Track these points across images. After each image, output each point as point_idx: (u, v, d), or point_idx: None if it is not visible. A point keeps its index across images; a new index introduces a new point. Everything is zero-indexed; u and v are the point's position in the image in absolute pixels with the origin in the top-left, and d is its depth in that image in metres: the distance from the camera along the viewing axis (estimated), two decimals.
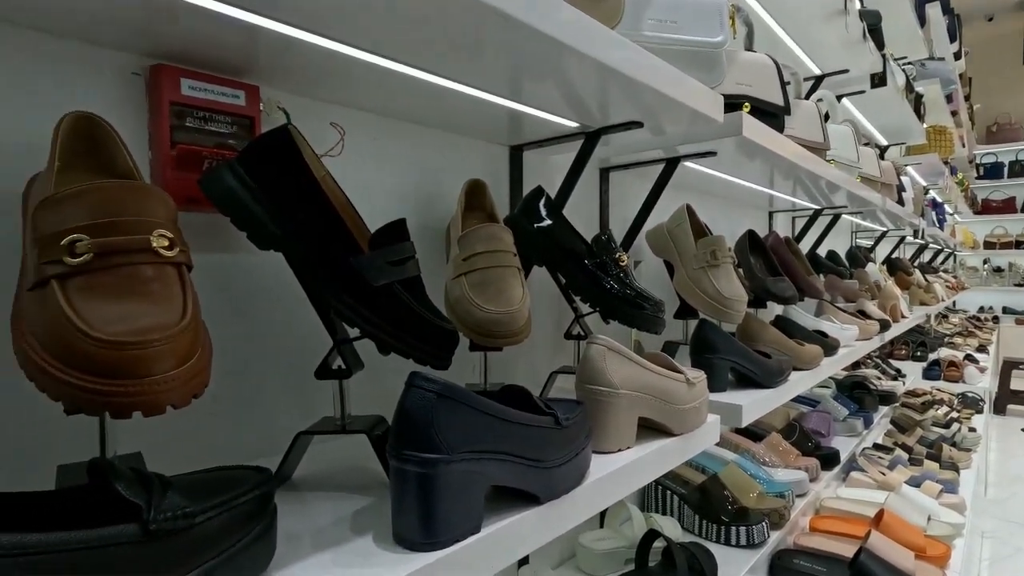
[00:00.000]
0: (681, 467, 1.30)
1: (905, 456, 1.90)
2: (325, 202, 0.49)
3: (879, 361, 2.74)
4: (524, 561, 0.95)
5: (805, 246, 1.77)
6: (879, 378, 2.49)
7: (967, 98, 4.33)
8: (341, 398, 0.52)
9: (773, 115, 1.00)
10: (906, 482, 1.59)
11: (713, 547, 1.07)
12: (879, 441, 2.03)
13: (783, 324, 1.28)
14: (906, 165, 2.76)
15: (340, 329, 0.53)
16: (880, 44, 1.72)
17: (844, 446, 1.74)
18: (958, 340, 3.93)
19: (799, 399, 1.88)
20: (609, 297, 0.77)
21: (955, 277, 4.15)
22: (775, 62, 1.03)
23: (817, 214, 1.80)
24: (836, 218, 1.91)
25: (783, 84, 1.02)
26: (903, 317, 2.04)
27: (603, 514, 1.13)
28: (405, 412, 0.41)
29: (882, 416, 2.19)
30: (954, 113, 3.29)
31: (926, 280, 2.85)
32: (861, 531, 1.27)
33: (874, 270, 2.11)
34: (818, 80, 1.64)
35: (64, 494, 0.33)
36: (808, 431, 1.63)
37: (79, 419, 0.39)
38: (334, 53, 0.53)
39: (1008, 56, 5.77)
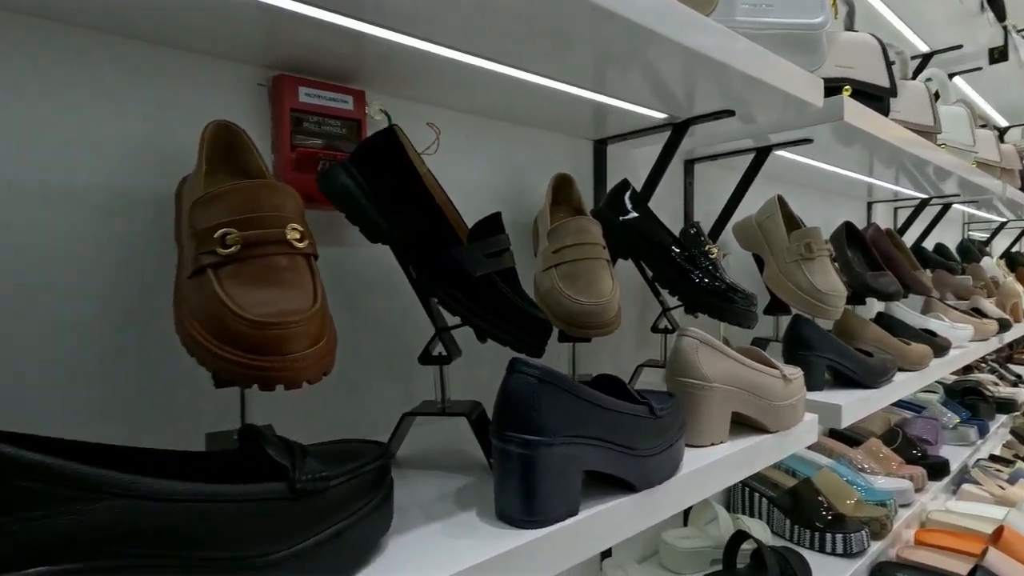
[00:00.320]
0: (769, 469, 1.25)
1: None
2: (428, 197, 0.52)
3: (996, 365, 2.49)
4: (607, 554, 0.95)
5: (909, 239, 1.64)
6: (996, 384, 2.26)
7: None
8: (442, 383, 0.55)
9: (878, 98, 0.94)
10: None
11: (805, 554, 1.03)
12: (996, 452, 1.85)
13: (886, 322, 1.20)
14: None
15: (440, 318, 0.56)
16: (1001, 15, 1.57)
17: (954, 456, 1.60)
18: None
19: (900, 404, 1.75)
20: (698, 290, 0.76)
21: None
22: (879, 41, 0.96)
23: (924, 204, 1.67)
24: (946, 208, 1.75)
25: (888, 64, 0.96)
26: None
27: (687, 512, 1.11)
28: (508, 395, 0.43)
29: (999, 425, 1.99)
30: None
31: None
32: (975, 548, 1.17)
33: (991, 265, 1.92)
34: (926, 58, 1.52)
35: (216, 456, 0.38)
36: (913, 438, 1.52)
37: (218, 394, 0.44)
38: (430, 55, 0.56)
39: None
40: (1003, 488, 1.49)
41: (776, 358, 0.86)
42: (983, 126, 1.74)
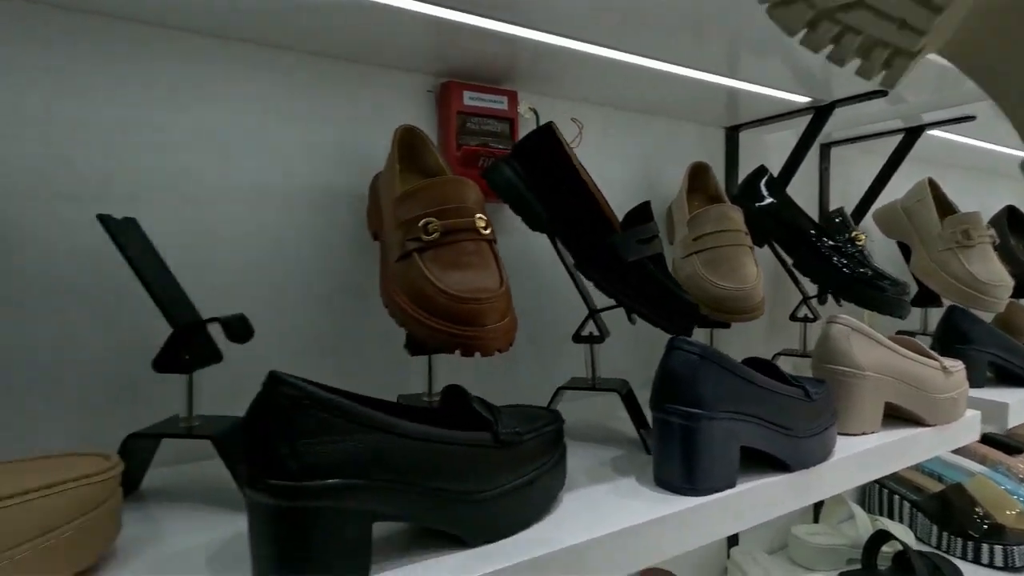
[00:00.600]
0: (911, 471, 1.17)
1: None
2: (583, 189, 0.56)
3: None
4: (734, 542, 0.95)
5: None
6: None
7: None
8: (592, 360, 0.60)
9: None
10: None
11: (957, 563, 0.96)
12: None
13: None
14: None
15: (592, 300, 0.60)
16: None
17: None
18: None
19: None
20: (842, 277, 0.74)
21: None
22: None
23: None
24: None
25: None
26: None
27: (817, 509, 1.07)
28: (670, 371, 0.46)
29: None
30: None
31: None
32: None
33: None
34: None
35: (423, 411, 0.44)
36: None
37: (405, 362, 0.51)
38: (576, 53, 0.60)
39: None
40: None
41: None
42: None
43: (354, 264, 0.61)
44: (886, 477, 1.15)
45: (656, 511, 0.43)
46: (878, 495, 1.14)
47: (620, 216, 0.58)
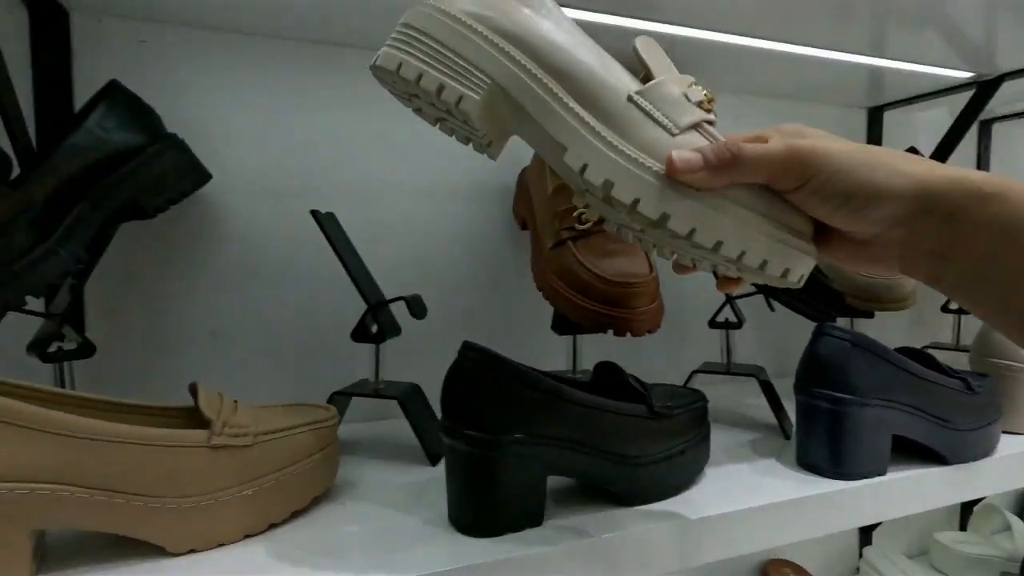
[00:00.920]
0: None
1: None
2: None
3: None
4: (866, 542, 0.92)
5: None
6: None
7: None
8: (728, 346, 0.61)
9: None
10: None
11: None
12: None
13: None
14: None
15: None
16: None
17: None
18: None
19: None
20: None
21: None
22: None
23: None
24: None
25: None
26: None
27: (964, 517, 0.99)
28: (818, 356, 0.47)
29: None
30: None
31: None
32: None
33: None
34: None
35: (576, 383, 0.49)
36: None
37: (549, 342, 0.56)
38: (709, 43, 0.60)
39: None
40: None
41: None
42: None
43: (501, 251, 0.67)
44: None
45: (800, 490, 0.45)
46: None
47: None
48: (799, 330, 0.59)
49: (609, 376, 0.46)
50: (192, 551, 0.35)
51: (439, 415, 0.54)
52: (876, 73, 0.73)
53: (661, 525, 0.39)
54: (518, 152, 0.67)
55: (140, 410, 0.38)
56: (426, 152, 0.64)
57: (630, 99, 0.29)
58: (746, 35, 0.60)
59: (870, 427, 0.46)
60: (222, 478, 0.35)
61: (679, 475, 0.44)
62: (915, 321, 0.93)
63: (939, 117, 0.86)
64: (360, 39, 0.59)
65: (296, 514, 0.39)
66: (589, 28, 0.57)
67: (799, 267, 0.28)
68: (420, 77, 0.29)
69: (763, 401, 0.58)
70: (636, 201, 0.27)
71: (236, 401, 0.39)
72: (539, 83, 0.29)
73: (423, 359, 0.64)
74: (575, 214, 0.49)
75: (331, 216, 0.52)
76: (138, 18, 0.54)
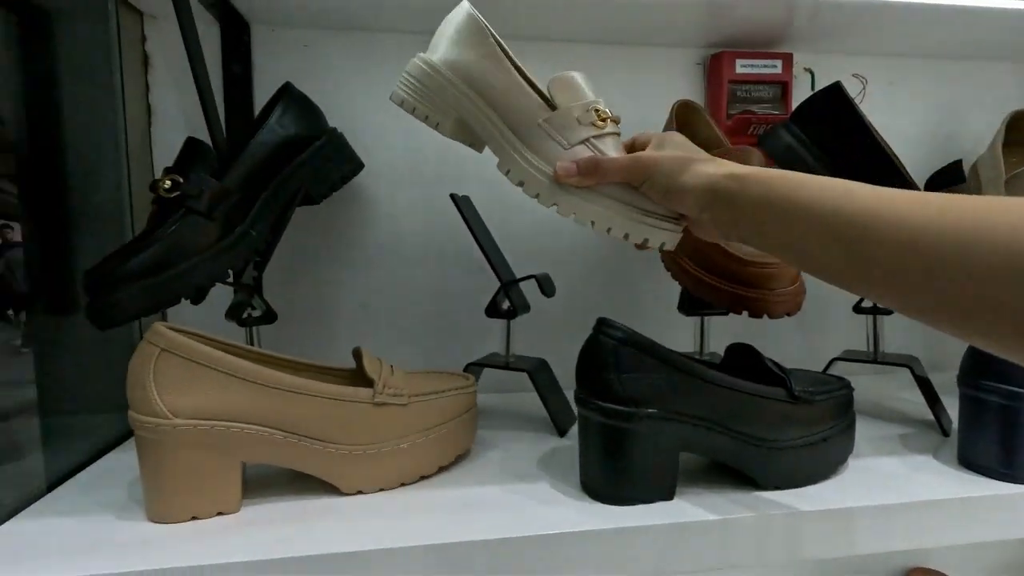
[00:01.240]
0: None
1: None
2: (879, 149, 0.53)
3: None
4: None
5: None
6: None
7: None
8: (875, 333, 0.57)
9: None
10: None
11: None
12: None
13: None
14: None
15: None
16: None
17: None
18: None
19: None
20: None
21: None
22: None
23: None
24: None
25: None
26: None
27: None
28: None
29: None
30: None
31: None
32: None
33: None
34: None
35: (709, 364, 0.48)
36: None
37: (672, 323, 0.55)
38: (860, 4, 0.55)
39: None
40: None
41: None
42: None
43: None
44: None
45: (963, 491, 0.41)
46: None
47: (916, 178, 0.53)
48: None
49: (743, 359, 0.45)
50: (360, 492, 0.40)
51: (565, 389, 0.57)
52: None
53: (796, 512, 0.38)
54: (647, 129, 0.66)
55: (312, 368, 0.44)
56: None
57: (539, 124, 0.41)
58: None
59: None
60: (383, 431, 0.40)
61: (819, 463, 0.42)
62: None
63: None
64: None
65: (442, 469, 0.44)
66: (719, 2, 0.56)
67: (655, 237, 0.39)
68: (414, 110, 0.44)
69: (912, 394, 0.54)
70: (537, 195, 0.41)
71: (392, 365, 0.44)
72: (483, 113, 0.42)
73: (550, 336, 0.66)
74: None
75: (467, 199, 0.56)
76: (302, 26, 0.60)
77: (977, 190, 0.69)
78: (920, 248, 0.26)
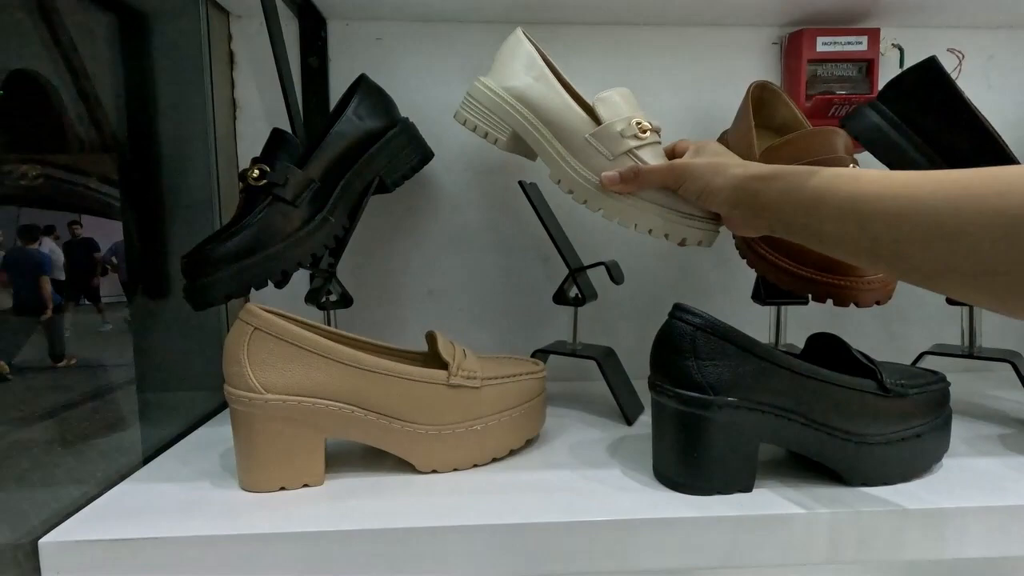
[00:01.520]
0: None
1: None
2: (980, 128, 0.49)
3: None
4: None
5: None
6: None
7: None
8: (971, 326, 0.53)
9: None
10: None
11: None
12: None
13: None
14: None
15: None
16: None
17: None
18: None
19: None
20: None
21: None
22: None
23: None
24: None
25: None
26: None
27: None
28: None
29: None
30: None
31: None
32: None
33: None
34: None
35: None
36: None
37: (743, 312, 0.53)
38: None
39: None
40: None
41: None
42: None
43: None
44: None
45: None
46: None
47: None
48: None
49: (826, 349, 0.43)
50: (434, 471, 0.41)
51: (632, 379, 0.56)
52: None
53: (884, 511, 0.36)
54: (717, 114, 0.64)
55: (386, 350, 0.46)
56: None
57: (585, 139, 0.46)
58: None
59: None
60: (457, 413, 0.41)
61: (911, 460, 0.40)
62: None
63: None
64: (558, 15, 0.61)
65: (512, 452, 0.44)
66: None
67: (692, 236, 0.45)
68: (475, 128, 0.51)
69: (1010, 392, 0.50)
70: (585, 201, 0.47)
71: (464, 349, 0.44)
72: (536, 130, 0.48)
73: (615, 324, 0.66)
74: None
75: (535, 186, 0.56)
76: (375, 19, 0.62)
77: None
78: (921, 214, 0.29)
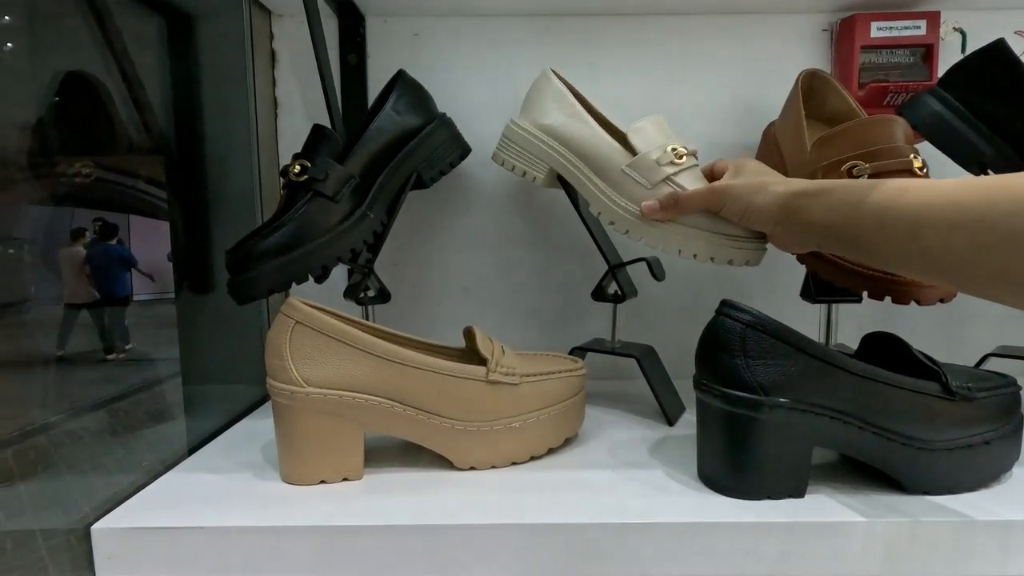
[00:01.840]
0: None
1: None
2: None
3: None
4: None
5: None
6: None
7: None
8: None
9: None
10: None
11: None
12: None
13: None
14: None
15: None
16: None
17: None
18: None
19: None
20: None
21: None
22: None
23: None
24: None
25: None
26: None
27: None
28: None
29: None
30: None
31: None
32: None
33: None
34: None
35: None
36: None
37: (791, 310, 0.51)
38: None
39: None
40: None
41: None
42: None
43: None
44: None
45: None
46: None
47: None
48: None
49: (883, 350, 0.41)
50: (472, 468, 0.41)
51: (672, 378, 0.55)
52: None
53: (946, 521, 0.34)
54: (761, 105, 0.62)
55: (424, 346, 0.45)
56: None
57: (622, 170, 0.46)
58: None
59: None
60: (496, 409, 0.40)
61: (979, 469, 0.37)
62: None
63: None
64: (603, 6, 0.60)
65: (552, 451, 0.43)
66: None
67: (738, 257, 0.44)
68: (513, 168, 0.52)
69: None
70: (627, 232, 0.46)
71: (503, 346, 0.44)
72: (572, 165, 0.49)
73: (655, 322, 0.64)
74: (846, 167, 0.44)
75: None
76: (412, 14, 0.62)
77: None
78: (972, 222, 0.28)
